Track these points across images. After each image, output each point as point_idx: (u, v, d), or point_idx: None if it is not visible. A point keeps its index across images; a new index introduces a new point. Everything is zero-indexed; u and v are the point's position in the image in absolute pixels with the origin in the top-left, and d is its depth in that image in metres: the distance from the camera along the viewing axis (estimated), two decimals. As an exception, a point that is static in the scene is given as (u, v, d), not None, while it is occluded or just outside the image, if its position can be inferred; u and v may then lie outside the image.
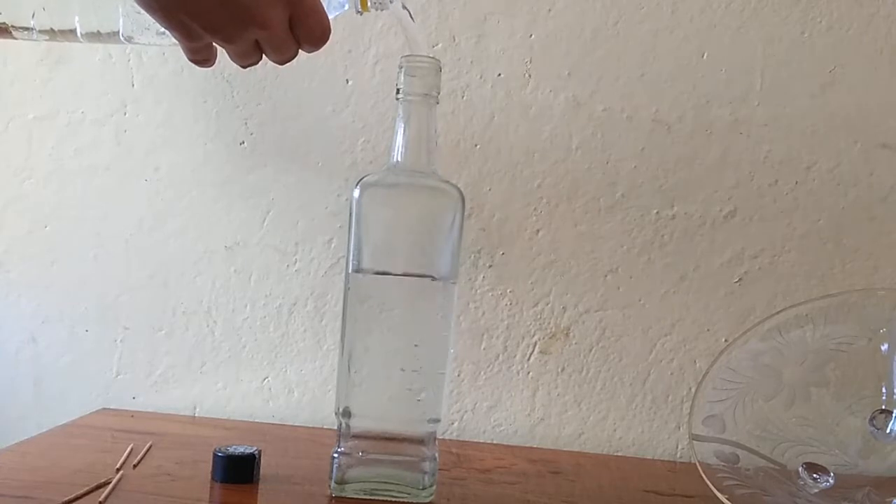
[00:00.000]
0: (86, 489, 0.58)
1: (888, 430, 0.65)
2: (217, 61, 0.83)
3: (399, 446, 0.61)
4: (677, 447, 0.82)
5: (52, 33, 0.57)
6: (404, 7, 0.60)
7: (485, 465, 0.73)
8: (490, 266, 0.83)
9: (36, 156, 0.86)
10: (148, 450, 0.69)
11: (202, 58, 0.55)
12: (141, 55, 0.85)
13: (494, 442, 0.83)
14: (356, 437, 0.61)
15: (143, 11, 0.49)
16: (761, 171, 0.81)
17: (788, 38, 0.80)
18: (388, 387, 0.61)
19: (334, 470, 0.61)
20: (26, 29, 0.57)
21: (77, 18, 0.56)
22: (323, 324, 0.84)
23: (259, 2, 0.50)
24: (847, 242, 0.80)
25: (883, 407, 0.65)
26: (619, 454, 0.82)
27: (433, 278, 0.61)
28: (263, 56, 0.56)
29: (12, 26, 0.57)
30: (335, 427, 0.62)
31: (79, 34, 0.57)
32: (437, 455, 0.62)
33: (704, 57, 0.81)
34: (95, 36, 0.57)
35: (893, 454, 0.64)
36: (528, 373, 0.83)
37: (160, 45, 0.58)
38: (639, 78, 0.81)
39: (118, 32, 0.57)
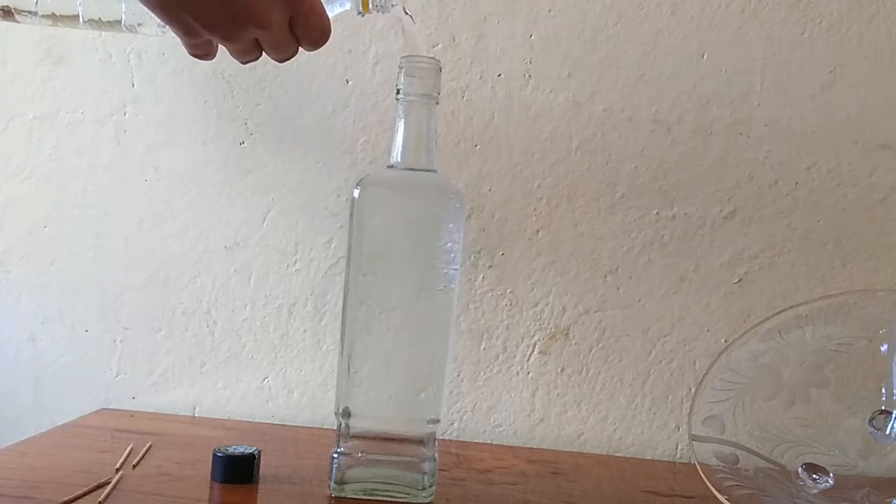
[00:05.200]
0: (85, 489, 0.58)
1: (888, 431, 0.65)
2: (217, 62, 0.83)
3: (399, 447, 0.61)
4: (677, 448, 0.82)
5: (55, 18, 0.57)
6: (405, 11, 0.60)
7: (484, 465, 0.73)
8: (490, 266, 0.83)
9: (36, 156, 0.86)
10: (147, 450, 0.69)
11: (202, 52, 0.55)
12: (141, 55, 0.85)
13: (494, 442, 0.83)
14: (356, 437, 0.61)
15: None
16: (761, 172, 0.81)
17: (788, 38, 0.80)
18: (388, 387, 0.61)
19: (334, 470, 0.61)
20: (30, 13, 0.57)
21: (79, 4, 0.56)
22: (323, 324, 0.84)
23: (259, 1, 0.50)
24: (847, 243, 0.80)
25: (882, 408, 0.65)
26: (619, 455, 0.82)
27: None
28: (263, 53, 0.56)
29: (16, 9, 0.57)
30: (335, 427, 0.62)
31: (81, 20, 0.57)
32: (436, 455, 0.62)
33: (704, 57, 0.81)
34: (97, 23, 0.57)
35: (893, 455, 0.64)
36: (528, 373, 0.83)
37: (163, 36, 0.58)
38: (639, 78, 0.81)
39: (120, 21, 0.57)
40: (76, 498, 0.56)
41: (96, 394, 0.86)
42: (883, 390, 0.66)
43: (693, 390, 0.79)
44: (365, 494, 0.60)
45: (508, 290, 0.83)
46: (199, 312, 0.85)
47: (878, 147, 0.80)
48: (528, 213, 0.82)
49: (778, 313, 0.68)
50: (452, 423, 0.83)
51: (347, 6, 0.60)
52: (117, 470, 0.63)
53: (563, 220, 0.82)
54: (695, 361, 0.81)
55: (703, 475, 0.62)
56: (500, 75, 0.82)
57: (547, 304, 0.82)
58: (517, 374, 0.83)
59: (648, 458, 0.82)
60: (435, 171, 0.61)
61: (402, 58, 0.61)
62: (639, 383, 0.82)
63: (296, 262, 0.84)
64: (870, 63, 0.80)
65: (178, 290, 0.85)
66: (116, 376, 0.86)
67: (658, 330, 0.82)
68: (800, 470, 0.64)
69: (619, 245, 0.82)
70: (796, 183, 0.80)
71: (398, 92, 0.61)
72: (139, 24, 0.57)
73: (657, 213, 0.81)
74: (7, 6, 0.57)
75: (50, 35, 0.85)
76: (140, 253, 0.85)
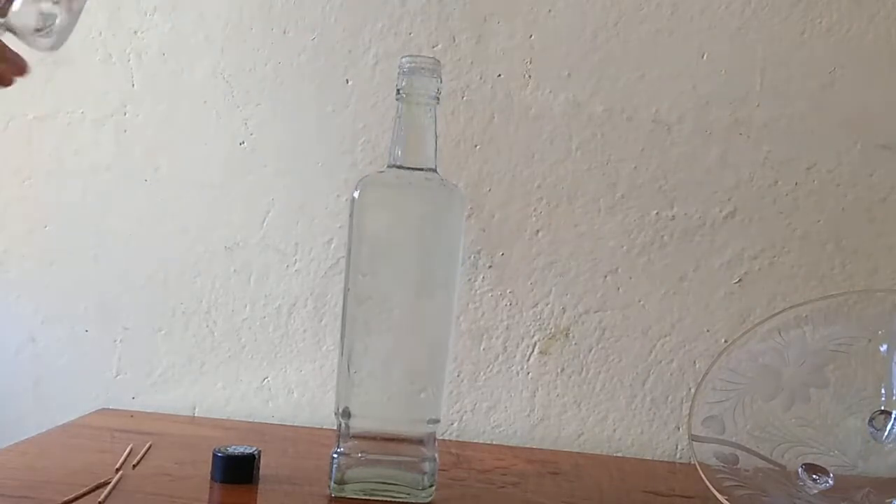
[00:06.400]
0: (85, 489, 0.58)
1: (888, 431, 0.65)
2: (217, 62, 0.83)
3: (399, 447, 0.61)
4: (677, 448, 0.82)
5: None
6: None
7: (484, 465, 0.73)
8: (490, 266, 0.82)
9: (36, 156, 0.86)
10: (147, 450, 0.69)
11: None
12: (141, 55, 0.85)
13: (494, 442, 0.83)
14: (355, 437, 0.61)
15: None
16: (761, 172, 0.81)
17: (788, 38, 0.80)
18: (388, 387, 0.61)
19: (334, 470, 0.61)
20: None
21: None
22: (323, 324, 0.84)
23: None
24: (846, 243, 0.80)
25: (882, 408, 0.65)
26: (619, 455, 0.82)
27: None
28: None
29: None
30: (335, 427, 0.62)
31: None
32: (436, 455, 0.62)
33: (704, 57, 0.81)
34: None
35: (893, 455, 0.64)
36: (528, 373, 0.83)
37: None
38: (639, 78, 0.81)
39: None
40: (76, 498, 0.56)
41: (96, 394, 0.86)
42: (882, 391, 0.66)
43: (693, 390, 0.79)
44: (365, 494, 0.60)
45: (508, 290, 0.83)
46: (199, 312, 0.85)
47: (878, 147, 0.80)
48: (528, 213, 0.82)
49: (778, 313, 0.68)
50: (452, 423, 0.83)
51: None
52: (117, 470, 0.63)
53: (563, 220, 0.82)
54: (695, 361, 0.81)
55: (703, 475, 0.62)
56: (500, 75, 0.82)
57: (547, 304, 0.82)
58: (517, 374, 0.83)
59: (648, 458, 0.82)
60: (435, 171, 0.61)
61: (402, 58, 0.61)
62: (639, 383, 0.82)
63: (296, 262, 0.84)
64: (870, 63, 0.80)
65: (178, 290, 0.85)
66: (116, 376, 0.86)
67: (658, 330, 0.82)
68: (800, 470, 0.64)
69: (619, 245, 0.82)
70: (796, 183, 0.80)
71: (398, 92, 0.61)
72: None
73: (657, 213, 0.81)
74: None
75: (50, 35, 0.85)
76: (140, 253, 0.85)
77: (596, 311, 0.82)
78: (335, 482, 0.61)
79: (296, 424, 0.84)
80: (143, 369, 0.85)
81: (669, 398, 0.82)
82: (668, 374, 0.82)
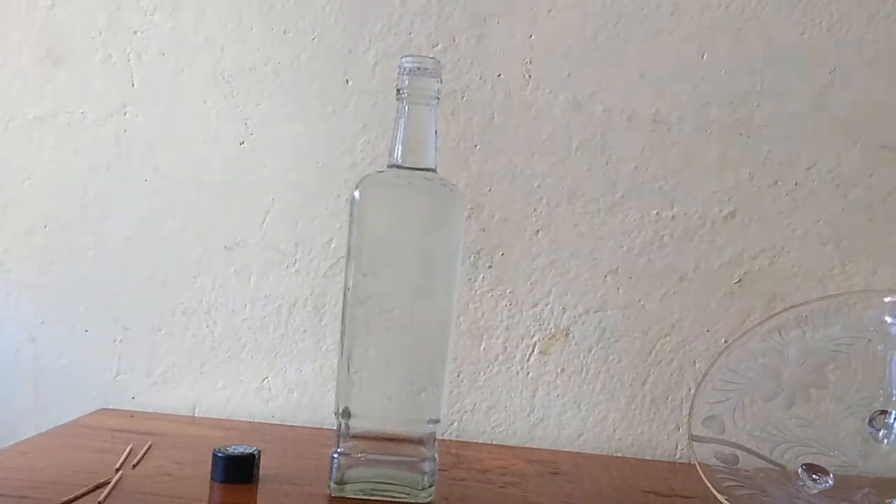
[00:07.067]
0: (85, 489, 0.58)
1: (887, 431, 0.65)
2: (217, 62, 0.83)
3: (398, 447, 0.61)
4: (677, 448, 0.82)
5: None
6: None
7: (484, 465, 0.73)
8: (490, 266, 0.83)
9: (36, 156, 0.86)
10: (147, 450, 0.69)
11: None
12: (141, 55, 0.85)
13: (494, 442, 0.83)
14: (355, 437, 0.61)
15: None
16: (761, 172, 0.81)
17: (788, 38, 0.80)
18: (388, 387, 0.61)
19: (334, 470, 0.61)
20: None
21: None
22: (323, 324, 0.84)
23: None
24: (846, 244, 0.80)
25: (881, 408, 0.65)
26: (619, 455, 0.82)
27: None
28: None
29: None
30: (335, 427, 0.62)
31: None
32: (436, 455, 0.62)
33: (704, 57, 0.81)
34: None
35: (893, 455, 0.64)
36: (528, 373, 0.83)
37: None
38: (639, 78, 0.81)
39: None
40: (76, 498, 0.56)
41: (96, 394, 0.86)
42: (881, 391, 0.66)
43: (693, 391, 0.79)
44: (365, 494, 0.60)
45: (508, 290, 0.83)
46: (199, 312, 0.85)
47: (878, 147, 0.80)
48: (528, 213, 0.82)
49: (778, 313, 0.68)
50: (452, 423, 0.83)
51: None
52: (117, 470, 0.63)
53: (563, 220, 0.82)
54: (695, 361, 0.81)
55: (703, 475, 0.62)
56: (500, 75, 0.82)
57: (547, 304, 0.82)
58: (517, 374, 0.83)
59: (648, 458, 0.82)
60: (435, 171, 0.62)
61: (402, 58, 0.61)
62: (639, 383, 0.82)
63: (296, 262, 0.84)
64: (870, 64, 0.80)
65: (178, 290, 0.85)
66: (116, 376, 0.86)
67: (658, 330, 0.82)
68: (800, 470, 0.64)
69: (619, 245, 0.82)
70: (796, 183, 0.80)
71: (398, 92, 0.61)
72: None
73: (657, 213, 0.81)
74: None
75: (50, 35, 0.85)
76: (140, 253, 0.85)
77: (596, 311, 0.82)
78: (335, 482, 0.61)
79: (296, 424, 0.84)
80: (143, 369, 0.85)
81: (669, 398, 0.82)
82: (668, 374, 0.82)
